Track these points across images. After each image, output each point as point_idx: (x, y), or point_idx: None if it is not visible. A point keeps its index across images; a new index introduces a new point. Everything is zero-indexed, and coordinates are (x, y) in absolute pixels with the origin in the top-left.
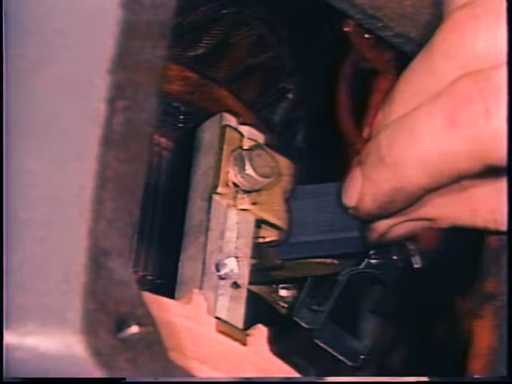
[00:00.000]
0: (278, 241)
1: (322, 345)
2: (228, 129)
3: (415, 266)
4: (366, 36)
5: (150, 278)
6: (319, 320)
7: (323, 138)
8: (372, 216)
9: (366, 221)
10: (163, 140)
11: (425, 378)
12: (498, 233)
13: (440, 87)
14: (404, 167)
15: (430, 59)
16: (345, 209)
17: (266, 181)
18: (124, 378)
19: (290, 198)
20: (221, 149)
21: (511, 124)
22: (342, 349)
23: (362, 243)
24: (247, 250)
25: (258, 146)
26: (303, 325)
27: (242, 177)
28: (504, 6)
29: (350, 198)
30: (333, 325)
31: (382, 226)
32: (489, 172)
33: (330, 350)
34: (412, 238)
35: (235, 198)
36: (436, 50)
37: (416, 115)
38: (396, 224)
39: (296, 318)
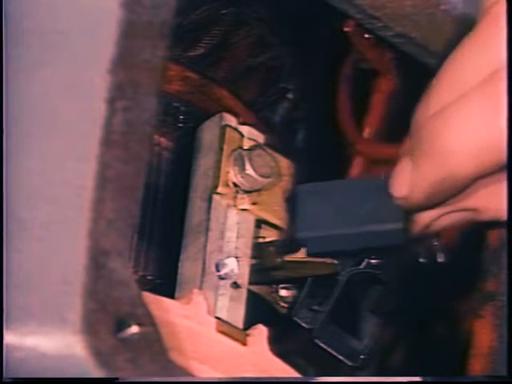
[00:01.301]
0: (306, 235)
1: (322, 345)
2: (228, 129)
3: (439, 260)
4: (366, 36)
5: (150, 277)
6: (319, 320)
7: (323, 138)
8: (420, 206)
9: (411, 212)
10: (163, 140)
11: (424, 378)
12: None
13: (487, 75)
14: (454, 156)
15: (474, 47)
16: (386, 200)
17: (266, 181)
18: (122, 378)
19: (324, 192)
20: (221, 149)
21: (511, 124)
22: (341, 349)
23: (403, 235)
24: (247, 250)
25: (258, 146)
26: (303, 325)
27: (242, 177)
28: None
29: (400, 188)
30: (333, 325)
31: (425, 217)
32: None
33: (329, 349)
34: (436, 234)
35: (235, 197)
36: (479, 39)
37: (465, 103)
38: (441, 215)
39: (296, 318)
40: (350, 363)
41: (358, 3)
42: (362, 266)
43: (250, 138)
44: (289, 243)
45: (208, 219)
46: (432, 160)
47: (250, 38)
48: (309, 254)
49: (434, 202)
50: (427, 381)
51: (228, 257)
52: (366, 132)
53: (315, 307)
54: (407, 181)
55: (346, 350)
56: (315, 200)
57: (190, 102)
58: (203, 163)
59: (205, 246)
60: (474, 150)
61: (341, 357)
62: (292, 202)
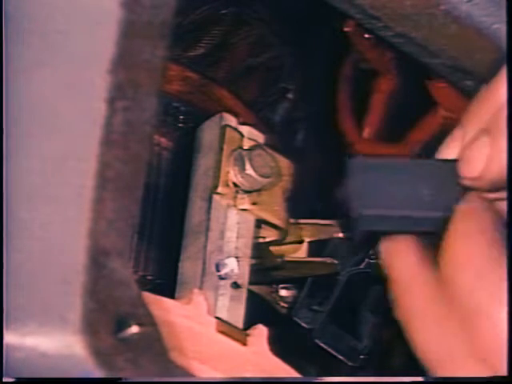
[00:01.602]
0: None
1: (321, 345)
2: (228, 129)
3: None
4: (366, 36)
5: (150, 277)
6: (319, 320)
7: (323, 138)
8: (491, 187)
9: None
10: (163, 140)
11: (425, 378)
12: None
13: None
14: None
15: None
16: (448, 184)
17: (266, 181)
18: (123, 378)
19: (384, 169)
20: (221, 149)
21: (511, 123)
22: (341, 348)
23: None
24: (247, 250)
25: (257, 146)
26: (303, 325)
27: (242, 177)
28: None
29: (474, 167)
30: (333, 325)
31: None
32: None
33: (329, 349)
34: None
35: (235, 197)
36: None
37: None
38: (495, 199)
39: (296, 318)
40: (349, 363)
41: (357, 3)
42: (361, 266)
43: (250, 138)
44: (344, 220)
45: (208, 219)
46: None
47: (250, 38)
48: (360, 232)
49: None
50: (428, 381)
51: (228, 257)
52: (366, 132)
53: (315, 307)
54: (483, 159)
55: (345, 350)
56: (373, 176)
57: (190, 102)
58: (203, 163)
59: (205, 246)
60: None
61: (340, 356)
62: (345, 174)
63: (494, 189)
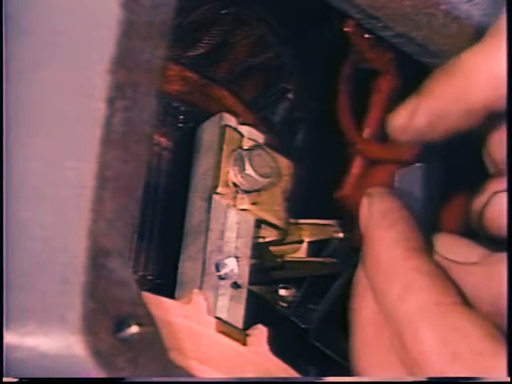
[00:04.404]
0: None
1: (318, 344)
2: (228, 129)
3: None
4: (366, 36)
5: (150, 277)
6: (316, 320)
7: (323, 138)
8: (416, 138)
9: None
10: (163, 140)
11: (427, 378)
12: None
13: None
14: (473, 77)
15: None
16: None
17: (266, 181)
18: (123, 378)
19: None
20: (221, 149)
21: (511, 123)
22: (338, 349)
23: None
24: (247, 250)
25: (257, 146)
26: (300, 324)
27: (242, 177)
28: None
29: (400, 116)
30: (330, 325)
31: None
32: None
33: (325, 349)
34: None
35: (235, 197)
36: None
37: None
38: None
39: (293, 318)
40: (345, 364)
41: (357, 3)
42: None
43: (250, 138)
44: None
45: (208, 219)
46: (450, 81)
47: (249, 38)
48: None
49: (437, 131)
50: (427, 381)
51: (228, 257)
52: (366, 132)
53: (313, 307)
54: (411, 107)
55: (341, 350)
56: None
57: (190, 102)
58: (203, 163)
59: (205, 246)
60: (495, 74)
61: (336, 357)
62: None
63: (422, 141)
